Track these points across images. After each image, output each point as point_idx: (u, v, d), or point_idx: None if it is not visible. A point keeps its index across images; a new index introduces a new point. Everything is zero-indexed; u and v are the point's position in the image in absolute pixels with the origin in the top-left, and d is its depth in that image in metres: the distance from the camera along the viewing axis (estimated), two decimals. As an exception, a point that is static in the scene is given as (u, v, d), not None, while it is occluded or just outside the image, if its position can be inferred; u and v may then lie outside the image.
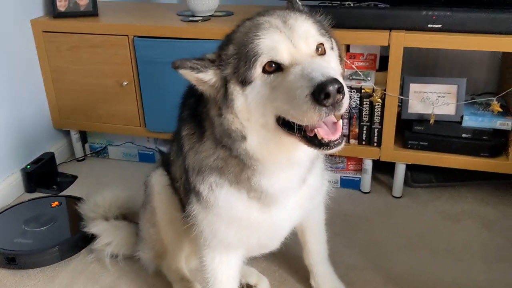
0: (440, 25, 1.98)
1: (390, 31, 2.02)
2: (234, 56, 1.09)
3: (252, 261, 1.86)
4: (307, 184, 1.33)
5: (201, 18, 2.40)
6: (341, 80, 0.98)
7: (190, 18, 2.40)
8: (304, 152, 1.18)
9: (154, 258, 1.80)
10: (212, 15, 2.46)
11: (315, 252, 1.72)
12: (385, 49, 2.15)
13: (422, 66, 2.53)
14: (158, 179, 1.70)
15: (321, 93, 0.94)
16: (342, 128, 1.09)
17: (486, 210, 2.20)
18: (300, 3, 1.27)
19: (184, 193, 1.49)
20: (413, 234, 2.07)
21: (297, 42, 1.06)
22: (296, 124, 1.03)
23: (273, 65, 1.05)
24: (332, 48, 1.17)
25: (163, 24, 2.33)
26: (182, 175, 1.49)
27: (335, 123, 1.07)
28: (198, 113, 1.24)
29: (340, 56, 1.22)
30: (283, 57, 1.05)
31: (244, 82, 1.07)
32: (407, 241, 2.03)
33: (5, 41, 2.38)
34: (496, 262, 1.89)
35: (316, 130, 1.05)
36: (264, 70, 1.06)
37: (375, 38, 2.04)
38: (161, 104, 2.43)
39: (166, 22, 2.37)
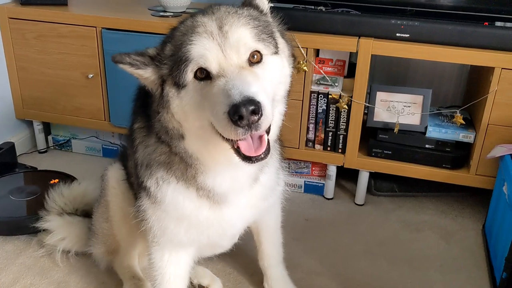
0: (408, 35, 1.99)
1: (358, 38, 2.02)
2: (170, 57, 1.07)
3: (207, 262, 1.84)
4: (259, 183, 1.31)
5: (172, 14, 2.37)
6: (261, 97, 0.97)
7: (161, 14, 2.37)
8: None
9: (106, 254, 1.76)
10: (184, 12, 2.43)
11: (269, 255, 1.70)
12: (355, 56, 2.15)
13: (393, 75, 2.55)
14: (114, 173, 1.67)
15: (235, 114, 0.94)
16: (268, 142, 1.06)
17: (445, 221, 2.22)
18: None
19: (136, 188, 1.46)
20: (373, 242, 2.07)
21: (228, 52, 1.03)
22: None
23: (204, 72, 1.04)
24: (276, 52, 1.12)
25: (132, 18, 2.29)
26: (134, 169, 1.46)
27: (260, 137, 1.04)
28: (148, 106, 1.21)
29: (293, 56, 1.21)
30: (211, 66, 1.03)
31: (179, 85, 1.06)
32: (367, 248, 2.02)
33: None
34: (451, 272, 1.89)
35: (238, 143, 1.03)
36: (196, 76, 1.05)
37: (343, 44, 2.04)
38: (127, 99, 2.35)
39: (136, 16, 2.33)
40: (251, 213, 1.38)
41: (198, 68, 1.03)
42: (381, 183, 2.38)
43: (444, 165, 2.13)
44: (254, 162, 1.04)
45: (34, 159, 2.64)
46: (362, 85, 2.08)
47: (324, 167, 2.36)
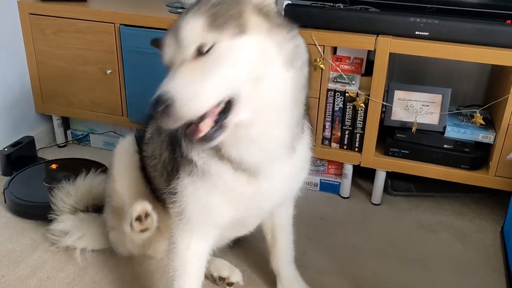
0: (428, 33, 1.96)
1: (377, 36, 2.00)
2: None
3: (222, 256, 1.84)
4: (296, 154, 1.28)
5: (189, 10, 2.36)
6: (176, 90, 1.00)
7: (179, 10, 2.37)
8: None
9: (115, 218, 1.76)
10: (201, 8, 2.43)
11: (283, 253, 1.70)
12: (373, 54, 2.12)
13: (411, 74, 2.51)
14: (125, 146, 1.73)
15: (151, 108, 1.02)
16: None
17: (462, 222, 2.18)
18: None
19: (166, 171, 1.47)
20: (388, 242, 2.05)
21: (178, 47, 1.05)
22: None
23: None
24: (241, 32, 1.05)
25: (150, 14, 2.30)
26: (162, 152, 1.48)
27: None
28: None
29: (283, 25, 1.13)
30: (166, 61, 1.08)
31: None
32: (381, 248, 2.01)
33: (-10, 20, 2.36)
34: (466, 274, 1.87)
35: None
36: None
37: (361, 42, 2.02)
38: (145, 94, 2.38)
39: (153, 12, 2.34)
40: (288, 186, 1.38)
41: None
42: (398, 183, 2.35)
43: (462, 166, 2.10)
44: (203, 143, 1.08)
45: (54, 153, 2.68)
46: (380, 84, 2.05)
47: (340, 165, 2.35)
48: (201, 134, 1.06)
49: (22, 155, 2.50)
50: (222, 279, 1.76)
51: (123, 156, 1.73)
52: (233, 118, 1.07)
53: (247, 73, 1.06)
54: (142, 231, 1.57)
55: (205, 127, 1.06)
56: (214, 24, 1.03)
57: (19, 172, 2.31)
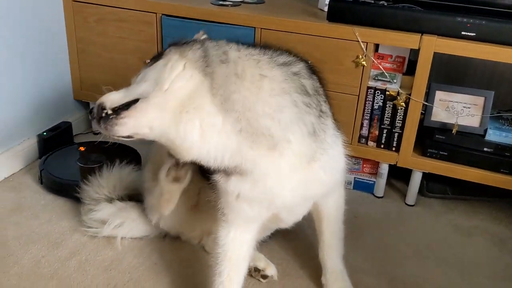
0: (474, 34, 1.93)
1: (421, 35, 1.98)
2: None
3: (258, 249, 1.85)
4: (317, 160, 1.30)
5: (231, 3, 2.37)
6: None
7: (220, 2, 2.38)
8: None
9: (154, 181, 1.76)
10: (243, 1, 2.44)
11: (328, 246, 1.68)
12: (414, 53, 2.11)
13: (450, 74, 2.48)
14: None
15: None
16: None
17: (499, 228, 2.15)
18: None
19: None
20: (422, 243, 2.03)
21: None
22: None
23: None
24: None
25: (192, 5, 2.31)
26: None
27: None
28: None
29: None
30: None
31: None
32: (415, 249, 1.99)
33: (35, 7, 2.39)
34: (502, 280, 1.84)
35: None
36: None
37: (405, 40, 2.00)
38: (182, 86, 2.41)
39: (195, 3, 2.35)
40: (305, 194, 1.39)
41: None
42: (433, 185, 2.33)
43: (502, 170, 2.07)
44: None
45: (89, 140, 2.71)
46: (422, 83, 2.03)
47: (375, 164, 2.33)
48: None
49: (59, 140, 2.54)
50: (257, 270, 1.77)
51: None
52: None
53: None
54: (175, 179, 1.60)
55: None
56: None
57: (53, 152, 2.40)
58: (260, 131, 1.22)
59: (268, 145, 1.23)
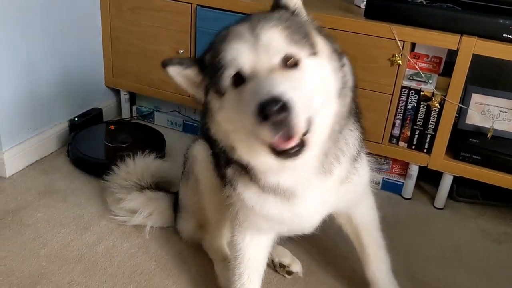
0: (516, 37, 1.88)
1: (461, 35, 1.93)
2: (209, 66, 1.08)
3: (284, 245, 1.85)
4: (333, 175, 1.24)
5: (266, -4, 2.35)
6: (291, 96, 0.93)
7: (256, -5, 2.36)
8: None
9: (196, 230, 1.80)
10: (277, -5, 2.42)
11: (378, 259, 1.61)
12: (450, 54, 2.06)
13: (487, 76, 2.41)
14: (201, 149, 1.69)
15: (260, 114, 0.92)
16: (304, 140, 1.02)
17: (530, 236, 2.11)
18: None
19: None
20: (450, 247, 2.00)
21: (260, 53, 1.01)
22: None
23: (240, 77, 1.03)
24: (314, 53, 1.06)
25: (227, -3, 2.31)
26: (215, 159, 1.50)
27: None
28: None
29: (337, 52, 1.13)
30: (244, 67, 1.02)
31: (220, 93, 1.06)
32: (443, 254, 1.96)
33: (72, -7, 2.42)
34: (534, 291, 1.80)
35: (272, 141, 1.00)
36: (233, 82, 1.04)
37: (444, 40, 1.96)
38: (213, 77, 2.41)
39: (231, -5, 2.34)
40: (327, 205, 1.35)
41: (235, 74, 1.03)
42: (463, 189, 2.28)
43: (537, 178, 2.02)
44: (289, 158, 1.01)
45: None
46: (459, 85, 1.99)
47: (405, 165, 2.30)
48: (289, 146, 0.99)
49: (90, 125, 2.57)
50: (282, 266, 1.77)
51: (199, 156, 1.71)
52: (311, 137, 1.03)
53: (322, 94, 1.05)
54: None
55: (293, 141, 0.99)
56: (293, 39, 1.03)
57: (83, 129, 2.50)
58: (332, 153, 1.20)
59: (325, 170, 1.20)
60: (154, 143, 2.43)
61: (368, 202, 1.59)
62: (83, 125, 2.52)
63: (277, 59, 1.02)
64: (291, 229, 1.43)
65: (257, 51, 1.01)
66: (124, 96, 2.80)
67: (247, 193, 1.26)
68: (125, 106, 2.82)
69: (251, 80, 1.00)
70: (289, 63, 1.02)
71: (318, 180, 1.22)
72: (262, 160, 1.10)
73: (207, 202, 1.69)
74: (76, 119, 2.54)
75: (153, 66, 2.59)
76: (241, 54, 1.01)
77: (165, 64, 1.13)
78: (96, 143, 2.41)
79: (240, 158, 1.13)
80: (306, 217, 1.33)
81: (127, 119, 2.83)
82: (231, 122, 1.07)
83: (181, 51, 2.46)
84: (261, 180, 1.19)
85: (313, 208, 1.31)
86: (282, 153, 1.01)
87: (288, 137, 0.97)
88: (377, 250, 1.61)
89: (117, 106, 2.87)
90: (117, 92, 2.84)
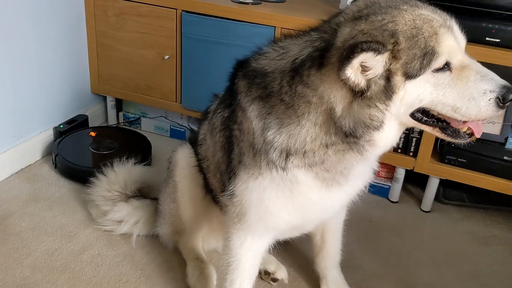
0: (499, 40, 1.90)
1: (445, 39, 1.94)
2: (407, 49, 1.04)
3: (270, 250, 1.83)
4: (370, 166, 1.36)
5: (252, 1, 2.35)
6: None
7: (241, 0, 2.36)
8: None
9: (172, 234, 1.79)
10: (263, 0, 2.42)
11: (331, 255, 1.68)
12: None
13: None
14: (183, 155, 1.69)
15: (506, 99, 1.07)
16: None
17: (517, 238, 2.12)
18: None
19: (219, 171, 1.46)
20: (438, 250, 2.00)
21: (461, 44, 1.10)
22: (437, 117, 1.14)
23: (443, 64, 1.07)
24: None
25: (213, 2, 2.30)
26: (216, 152, 1.46)
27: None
28: (281, 97, 1.18)
29: None
30: (457, 59, 1.08)
31: (409, 77, 1.06)
32: (431, 256, 1.96)
33: (56, 0, 2.40)
34: (521, 293, 1.81)
35: (468, 125, 1.14)
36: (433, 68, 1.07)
37: (428, 44, 1.96)
38: (200, 83, 2.41)
39: (216, 1, 2.33)
40: (351, 196, 1.40)
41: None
42: (450, 191, 2.29)
43: (522, 179, 2.03)
44: (464, 139, 1.17)
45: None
46: (443, 89, 2.00)
47: (391, 169, 2.30)
48: (481, 132, 1.16)
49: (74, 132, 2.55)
50: (267, 273, 1.76)
51: (181, 163, 1.71)
52: None
53: None
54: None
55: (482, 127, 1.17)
56: None
57: (66, 136, 2.48)
58: None
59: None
60: (140, 149, 2.42)
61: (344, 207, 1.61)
62: (68, 132, 2.50)
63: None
64: (307, 221, 1.41)
65: (459, 42, 1.10)
66: (111, 102, 2.78)
67: (302, 176, 1.23)
68: (112, 112, 2.80)
69: (464, 69, 1.08)
70: None
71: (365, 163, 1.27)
72: (390, 140, 1.17)
73: (183, 208, 1.68)
74: (61, 126, 2.52)
75: (139, 72, 2.57)
76: (455, 45, 1.08)
77: (362, 49, 1.00)
78: (82, 150, 2.39)
79: (376, 138, 1.12)
80: (333, 204, 1.34)
81: (114, 126, 2.81)
82: (407, 103, 1.09)
83: (167, 57, 2.45)
84: (345, 168, 1.21)
85: (345, 197, 1.35)
86: (458, 136, 1.17)
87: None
88: (336, 247, 1.68)
89: (103, 113, 2.85)
90: (103, 99, 2.82)
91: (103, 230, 1.93)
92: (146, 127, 2.80)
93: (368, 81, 1.06)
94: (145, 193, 2.04)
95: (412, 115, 1.12)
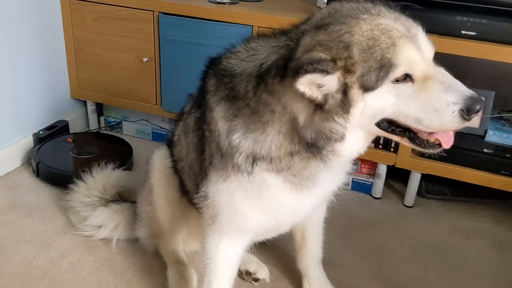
0: (475, 33, 1.90)
1: (421, 34, 1.94)
2: (362, 62, 1.02)
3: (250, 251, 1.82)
4: (342, 170, 1.34)
5: (229, 1, 2.35)
6: None
7: (218, 0, 2.35)
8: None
9: (151, 237, 1.78)
10: None
11: (313, 253, 1.67)
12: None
13: (452, 74, 2.43)
14: (159, 157, 1.68)
15: (471, 112, 1.02)
16: None
17: (499, 230, 2.12)
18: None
19: (193, 172, 1.45)
20: (421, 245, 2.00)
21: (425, 54, 1.06)
22: (404, 127, 1.09)
23: (403, 75, 1.03)
24: None
25: (190, 3, 2.29)
26: (189, 153, 1.45)
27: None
28: (247, 102, 1.16)
29: None
30: (418, 70, 1.04)
31: (368, 89, 1.03)
32: (414, 252, 1.96)
33: (32, 5, 2.38)
34: (502, 284, 1.81)
35: (435, 136, 1.10)
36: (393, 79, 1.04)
37: (404, 39, 1.96)
38: (179, 85, 2.39)
39: (193, 1, 2.32)
40: (323, 198, 1.40)
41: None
42: (432, 186, 2.30)
43: (502, 172, 2.03)
44: (435, 149, 1.14)
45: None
46: (421, 83, 2.00)
47: (373, 165, 2.30)
48: (451, 143, 1.12)
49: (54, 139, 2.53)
50: (248, 273, 1.75)
51: (156, 165, 1.71)
52: None
53: None
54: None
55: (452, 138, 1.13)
56: None
57: (44, 142, 2.46)
58: None
59: None
60: (121, 152, 2.40)
61: (325, 203, 1.60)
62: (48, 138, 2.47)
63: (432, 56, 1.09)
64: (279, 223, 1.39)
65: (422, 51, 1.05)
66: (91, 107, 2.76)
67: (270, 180, 1.21)
68: (92, 117, 2.78)
69: (427, 81, 1.04)
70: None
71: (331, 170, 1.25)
72: (355, 150, 1.14)
73: (160, 210, 1.67)
74: (41, 132, 2.49)
75: (119, 75, 2.55)
76: (416, 55, 1.03)
77: (307, 70, 0.99)
78: (62, 155, 2.36)
79: (336, 149, 1.10)
80: (305, 207, 1.33)
81: (94, 131, 2.79)
82: (368, 115, 1.06)
83: (145, 59, 2.43)
84: (311, 174, 1.19)
85: (316, 199, 1.33)
86: (428, 146, 1.13)
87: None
88: (317, 245, 1.67)
89: (84, 118, 2.83)
90: (83, 104, 2.79)
91: (83, 236, 1.91)
92: (128, 131, 2.78)
93: (325, 96, 1.04)
94: (125, 197, 2.02)
95: (378, 125, 1.09)
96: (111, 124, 2.80)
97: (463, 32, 1.92)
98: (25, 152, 2.44)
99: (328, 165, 1.16)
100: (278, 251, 1.90)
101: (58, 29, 2.56)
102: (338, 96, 1.04)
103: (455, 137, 2.03)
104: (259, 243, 1.81)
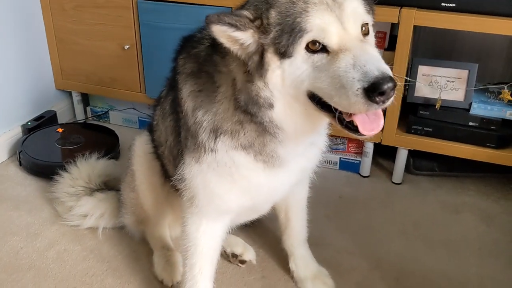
0: (454, 4, 1.88)
1: (400, 8, 1.92)
2: (276, 25, 1.00)
3: (236, 233, 1.82)
4: (315, 145, 1.32)
5: (208, -16, 2.31)
6: (391, 73, 0.95)
7: (197, -17, 2.32)
8: (326, 120, 1.15)
9: (136, 224, 1.77)
10: (220, -18, 2.38)
11: (297, 232, 1.67)
12: (396, 28, 2.05)
13: (437, 49, 2.42)
14: (141, 143, 1.67)
15: (376, 91, 0.92)
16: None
17: (487, 203, 2.11)
18: None
19: (172, 156, 1.44)
20: (410, 222, 2.00)
21: (346, 24, 0.99)
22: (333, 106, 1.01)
23: (318, 44, 0.99)
24: (373, 24, 1.08)
25: (168, -12, 2.26)
26: (168, 137, 1.44)
27: (375, 113, 1.03)
28: (206, 69, 1.17)
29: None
30: (332, 40, 0.98)
31: (283, 55, 1.01)
32: (402, 228, 1.96)
33: (10, -3, 2.35)
34: (490, 257, 1.81)
35: (353, 118, 1.01)
36: (308, 48, 1.00)
37: (384, 14, 1.94)
38: (162, 71, 2.35)
39: (172, -14, 2.29)
40: (299, 175, 1.37)
41: (312, 40, 0.99)
42: (420, 162, 2.29)
43: (488, 144, 2.02)
44: (366, 135, 1.04)
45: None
46: (403, 59, 1.98)
47: (360, 144, 2.29)
48: (381, 124, 1.03)
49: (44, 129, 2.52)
50: (235, 256, 1.75)
51: (138, 151, 1.70)
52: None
53: None
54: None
55: (380, 119, 1.04)
56: (366, 8, 1.04)
57: (31, 133, 2.44)
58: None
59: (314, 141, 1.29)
60: (107, 142, 2.39)
61: (307, 181, 1.60)
62: (36, 129, 2.46)
63: (359, 30, 1.01)
64: (257, 203, 1.38)
65: (344, 21, 0.99)
66: (76, 97, 2.74)
67: (240, 159, 1.20)
68: (78, 107, 2.76)
69: (342, 53, 0.97)
70: (363, 31, 1.03)
71: (306, 150, 1.26)
72: (297, 123, 1.11)
73: (143, 197, 1.66)
74: (29, 123, 2.48)
75: (102, 64, 2.53)
76: (329, 25, 0.98)
77: (211, 21, 0.99)
78: (47, 146, 2.35)
79: (272, 118, 1.09)
80: (282, 185, 1.32)
81: (81, 121, 2.78)
82: (288, 83, 1.04)
83: (127, 47, 2.41)
84: (268, 147, 1.17)
85: (292, 177, 1.32)
86: (358, 131, 1.03)
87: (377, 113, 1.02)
88: (301, 224, 1.67)
89: (71, 108, 2.81)
90: (69, 94, 2.78)
91: (69, 225, 1.91)
92: (115, 121, 2.76)
93: (247, 55, 1.04)
94: (112, 185, 2.01)
95: (311, 99, 1.04)
96: (98, 114, 2.79)
97: (443, 4, 1.89)
98: (12, 144, 2.43)
99: (280, 141, 1.15)
100: (264, 232, 1.90)
101: (38, 20, 2.53)
102: (256, 58, 1.03)
103: (440, 111, 2.04)
104: (245, 225, 1.82)
